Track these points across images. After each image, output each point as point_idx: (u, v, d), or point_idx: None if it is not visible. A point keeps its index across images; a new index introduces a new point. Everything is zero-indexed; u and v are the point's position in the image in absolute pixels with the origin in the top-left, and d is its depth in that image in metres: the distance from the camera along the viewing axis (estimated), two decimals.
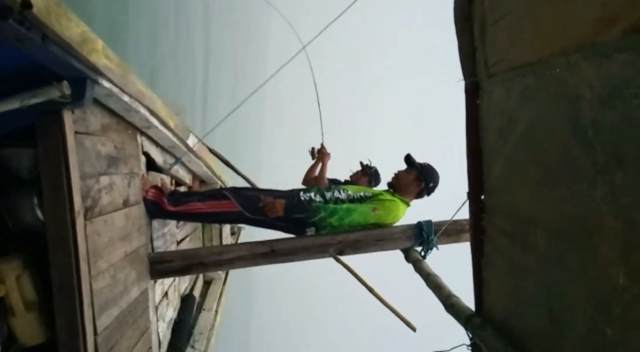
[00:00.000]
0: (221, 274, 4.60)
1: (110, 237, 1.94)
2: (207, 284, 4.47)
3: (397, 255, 2.88)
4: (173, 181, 3.29)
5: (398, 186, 2.96)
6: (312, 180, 3.52)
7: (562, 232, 1.15)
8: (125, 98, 1.99)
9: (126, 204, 2.19)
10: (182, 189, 3.59)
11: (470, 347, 1.69)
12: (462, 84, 1.69)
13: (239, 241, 4.81)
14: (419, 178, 2.93)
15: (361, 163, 3.72)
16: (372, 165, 3.70)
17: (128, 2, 4.91)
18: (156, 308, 2.65)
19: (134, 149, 2.36)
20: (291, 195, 2.84)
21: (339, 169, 3.99)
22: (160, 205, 2.61)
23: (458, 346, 1.69)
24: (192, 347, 3.29)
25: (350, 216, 2.69)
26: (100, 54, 1.65)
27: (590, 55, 0.93)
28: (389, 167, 3.26)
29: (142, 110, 2.19)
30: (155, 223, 2.74)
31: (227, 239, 4.69)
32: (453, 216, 2.26)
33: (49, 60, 1.46)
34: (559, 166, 1.11)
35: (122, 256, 2.07)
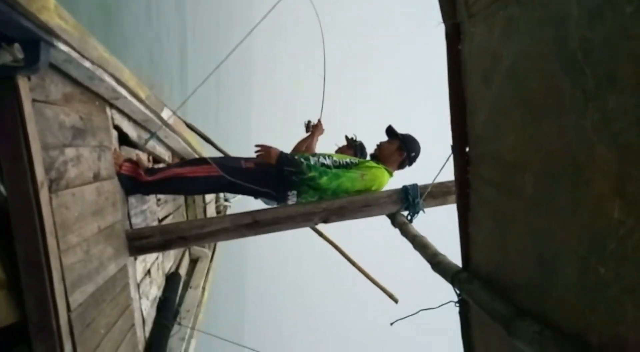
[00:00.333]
0: (208, 251, 4.53)
1: (80, 211, 1.84)
2: (194, 262, 4.40)
3: (377, 226, 2.87)
4: (150, 158, 3.18)
5: (381, 156, 3.01)
6: (302, 149, 3.51)
7: (550, 173, 1.09)
8: (87, 64, 1.87)
9: (97, 178, 2.08)
10: (162, 165, 3.48)
11: (457, 304, 1.65)
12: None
13: None
14: (400, 148, 2.99)
15: (346, 137, 3.71)
16: (358, 139, 3.70)
17: None
18: (138, 286, 2.57)
19: (102, 121, 2.25)
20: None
21: (325, 143, 3.96)
22: (137, 178, 2.52)
23: (446, 303, 1.65)
24: (179, 324, 3.24)
25: (338, 179, 2.69)
26: (53, 13, 1.53)
27: None
28: (374, 141, 3.27)
29: (107, 79, 2.07)
30: (133, 199, 2.64)
31: (212, 203, 4.61)
32: (438, 174, 2.20)
33: None
34: (545, 101, 1.04)
35: (96, 231, 1.98)
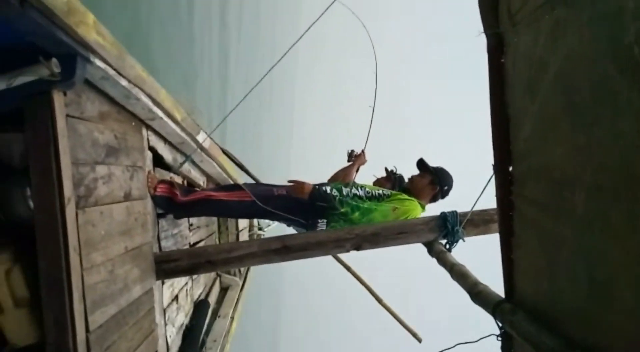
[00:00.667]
0: (238, 280, 4.46)
1: (107, 230, 1.82)
2: (224, 290, 4.33)
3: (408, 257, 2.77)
4: (185, 182, 3.18)
5: (413, 190, 2.99)
6: (340, 177, 3.48)
7: (603, 187, 0.98)
8: (123, 82, 1.89)
9: (128, 197, 2.08)
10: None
11: (500, 337, 1.50)
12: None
13: None
14: (433, 182, 2.97)
15: (386, 169, 3.64)
16: (398, 172, 3.63)
17: None
18: (164, 311, 2.52)
19: (137, 141, 2.26)
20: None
21: (365, 174, 3.92)
22: (173, 198, 2.55)
23: (487, 337, 1.50)
24: None
25: (370, 214, 2.68)
26: (91, 29, 1.55)
27: None
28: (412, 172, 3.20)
29: (144, 98, 2.09)
30: (164, 222, 2.63)
31: (245, 231, 4.56)
32: (479, 197, 2.08)
33: (31, 32, 1.36)
34: (597, 106, 0.94)
35: (122, 251, 1.95)
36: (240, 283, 4.49)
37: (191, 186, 3.34)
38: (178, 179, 3.00)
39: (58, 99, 1.57)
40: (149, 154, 2.47)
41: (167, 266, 2.34)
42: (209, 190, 2.79)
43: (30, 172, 1.55)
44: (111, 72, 1.76)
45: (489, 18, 1.45)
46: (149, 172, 2.45)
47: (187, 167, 3.04)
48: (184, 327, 2.98)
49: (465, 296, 1.87)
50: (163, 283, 2.55)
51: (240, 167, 3.79)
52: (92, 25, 1.54)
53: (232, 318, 3.86)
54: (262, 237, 5.26)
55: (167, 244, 2.64)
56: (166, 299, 2.62)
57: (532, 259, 1.45)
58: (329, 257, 3.08)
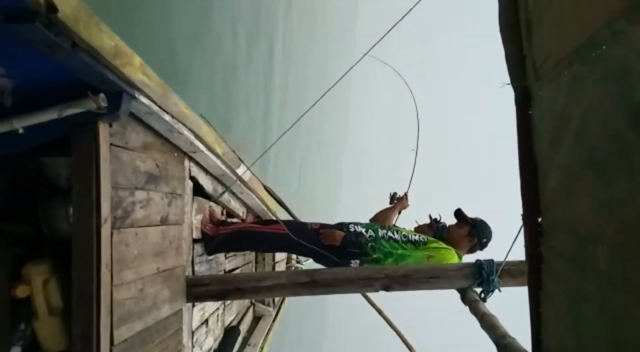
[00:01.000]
0: (272, 311, 4.47)
1: (140, 250, 1.92)
2: (257, 320, 4.35)
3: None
4: (224, 211, 3.28)
5: (450, 240, 2.96)
6: (380, 219, 3.49)
7: (625, 244, 0.94)
8: (167, 117, 2.01)
9: (164, 222, 2.17)
10: (235, 220, 3.58)
11: None
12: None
13: None
14: (470, 233, 2.93)
15: (430, 216, 3.58)
16: (442, 220, 3.56)
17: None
18: (192, 333, 2.57)
19: (178, 171, 2.38)
20: (341, 227, 2.84)
21: (407, 218, 3.89)
22: (210, 234, 2.68)
23: None
24: None
25: (403, 261, 2.68)
26: (137, 70, 1.68)
27: (635, 16, 0.76)
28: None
29: (186, 133, 2.21)
30: (199, 247, 2.72)
31: (282, 264, 4.59)
32: (510, 248, 2.00)
33: (81, 71, 1.50)
34: (615, 161, 0.92)
35: (154, 272, 2.03)
36: (274, 314, 4.50)
37: (230, 216, 3.44)
38: (217, 208, 3.10)
39: (103, 129, 1.70)
40: (190, 183, 2.58)
41: (198, 289, 2.40)
42: (244, 224, 2.90)
43: (72, 192, 1.67)
44: (155, 108, 1.88)
45: (516, 71, 1.45)
46: (210, 207, 2.62)
47: (226, 198, 3.14)
48: (212, 351, 3.02)
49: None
50: (194, 306, 2.61)
51: (280, 203, 3.84)
52: (139, 66, 1.67)
53: (262, 348, 3.86)
54: (301, 268, 5.27)
55: (201, 269, 2.71)
56: (196, 322, 2.68)
57: (559, 314, 1.38)
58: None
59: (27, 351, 1.69)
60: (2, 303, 1.69)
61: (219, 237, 2.71)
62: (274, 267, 4.30)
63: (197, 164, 2.65)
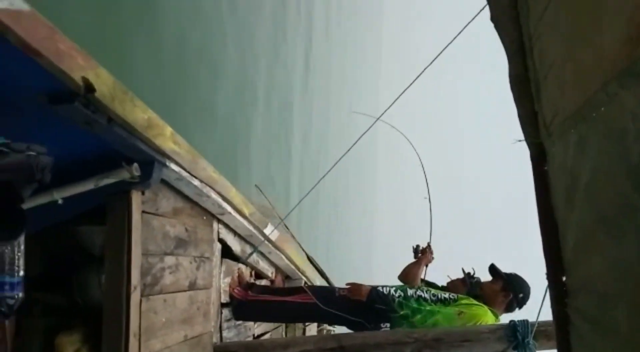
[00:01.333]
0: None
1: (168, 317, 1.95)
2: None
3: None
4: (253, 273, 3.30)
5: (484, 297, 2.85)
6: (408, 277, 3.42)
7: None
8: (196, 182, 2.11)
9: (192, 286, 2.21)
10: (264, 282, 3.58)
11: None
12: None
13: None
14: (505, 288, 2.82)
15: (463, 270, 3.50)
16: (475, 275, 3.47)
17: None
18: None
19: (207, 234, 2.45)
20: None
21: (437, 272, 3.82)
22: (241, 299, 2.71)
23: None
24: None
25: (433, 317, 2.60)
26: (168, 139, 1.80)
27: (626, 81, 0.80)
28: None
29: (214, 196, 2.30)
30: (227, 312, 2.72)
31: (312, 330, 4.47)
32: (540, 309, 1.93)
33: (117, 143, 1.62)
34: (622, 219, 0.91)
35: (181, 340, 2.05)
36: None
37: (259, 277, 3.45)
38: (246, 270, 3.13)
39: (136, 197, 1.79)
40: (219, 246, 2.64)
41: None
42: (271, 291, 2.90)
43: (105, 260, 1.75)
44: (185, 174, 1.99)
45: (528, 128, 1.48)
46: (238, 269, 2.67)
47: (255, 258, 3.17)
48: None
49: None
50: None
51: (322, 274, 3.83)
52: (169, 136, 1.79)
53: None
54: (332, 333, 5.13)
55: (229, 335, 2.70)
56: None
57: None
58: None
59: None
60: None
61: (247, 305, 2.73)
62: (304, 331, 4.21)
63: (226, 225, 2.72)
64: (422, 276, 3.73)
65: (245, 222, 2.73)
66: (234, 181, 2.62)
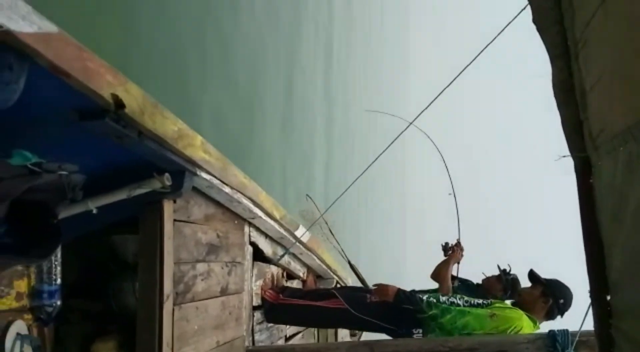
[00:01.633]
0: None
1: (200, 324, 1.96)
2: None
3: None
4: (284, 273, 3.31)
5: (523, 304, 2.76)
6: (439, 276, 3.38)
7: None
8: (226, 189, 2.11)
9: (224, 292, 2.23)
10: (295, 282, 3.59)
11: None
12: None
13: None
14: (544, 294, 2.71)
15: (498, 267, 3.41)
16: (512, 272, 3.36)
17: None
18: None
19: (238, 238, 2.46)
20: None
21: (473, 269, 3.73)
22: (273, 301, 2.72)
23: None
24: None
25: (463, 318, 2.51)
26: (198, 149, 1.80)
27: None
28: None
29: (245, 201, 2.30)
30: (259, 314, 2.74)
31: (346, 337, 4.46)
32: (584, 318, 1.84)
33: (148, 154, 1.62)
34: None
35: (214, 346, 2.06)
36: None
37: (290, 277, 3.45)
38: (276, 270, 3.13)
39: (167, 206, 1.81)
40: (250, 249, 2.65)
41: None
42: (302, 295, 2.89)
43: (138, 269, 1.77)
44: (216, 181, 1.99)
45: (574, 138, 1.39)
46: (265, 280, 2.72)
47: (286, 259, 3.17)
48: None
49: None
50: None
51: (362, 281, 3.81)
52: (200, 145, 1.79)
53: None
54: (362, 333, 5.11)
55: (261, 338, 2.72)
56: None
57: None
58: None
59: None
60: None
61: (278, 307, 2.73)
62: (336, 333, 4.21)
63: (257, 228, 2.72)
64: (455, 274, 3.66)
65: (276, 225, 2.73)
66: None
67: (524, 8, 1.54)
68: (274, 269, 3.05)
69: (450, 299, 2.68)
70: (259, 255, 2.81)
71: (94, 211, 1.69)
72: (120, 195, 1.70)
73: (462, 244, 3.55)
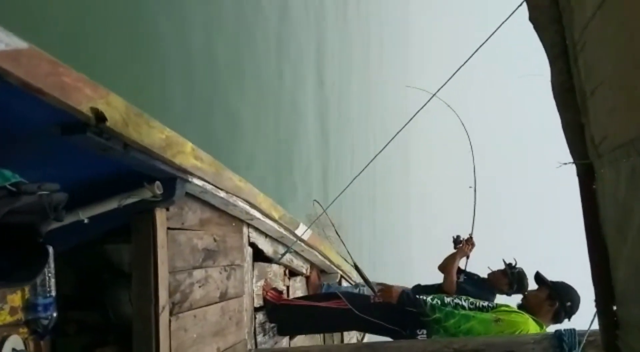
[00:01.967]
0: None
1: (199, 332, 1.94)
2: None
3: None
4: (287, 271, 3.28)
5: (529, 307, 2.72)
6: (446, 268, 3.43)
7: None
8: (221, 194, 2.06)
9: (223, 297, 2.20)
10: (299, 278, 3.56)
11: None
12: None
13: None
14: (551, 297, 2.67)
15: (504, 261, 3.39)
16: (517, 266, 3.32)
17: None
18: None
19: (237, 241, 2.42)
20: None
21: (483, 265, 3.71)
22: (276, 302, 2.70)
23: None
24: None
25: (468, 322, 2.49)
26: (189, 156, 1.75)
27: None
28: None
29: (241, 204, 2.26)
30: (261, 315, 2.71)
31: (352, 341, 4.45)
32: (593, 318, 1.79)
33: (136, 165, 1.58)
34: None
35: None
36: None
37: (293, 274, 3.42)
38: (278, 269, 3.10)
39: (160, 215, 1.77)
40: (249, 250, 2.61)
41: None
42: (304, 298, 2.88)
43: (132, 281, 1.74)
44: (209, 187, 1.94)
45: (575, 141, 1.33)
46: (266, 280, 2.72)
47: (288, 257, 3.14)
48: None
49: None
50: None
51: (367, 282, 3.78)
52: (190, 152, 1.74)
53: None
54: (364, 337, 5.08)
55: (264, 339, 2.70)
56: None
57: None
58: None
59: None
60: None
61: (281, 308, 2.72)
62: (342, 336, 4.18)
63: (256, 229, 2.69)
64: (463, 267, 3.63)
65: (276, 225, 2.69)
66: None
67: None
68: (275, 268, 3.02)
69: (455, 300, 2.64)
70: (259, 255, 2.78)
71: (85, 221, 1.66)
72: (111, 205, 1.67)
73: (474, 239, 3.54)
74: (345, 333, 4.19)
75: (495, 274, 3.43)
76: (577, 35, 1.14)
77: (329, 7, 9.29)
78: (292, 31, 6.59)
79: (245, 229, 2.54)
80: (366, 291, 3.27)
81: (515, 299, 2.95)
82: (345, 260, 3.58)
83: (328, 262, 3.74)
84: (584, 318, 2.22)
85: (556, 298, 2.62)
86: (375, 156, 2.88)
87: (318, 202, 2.99)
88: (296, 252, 3.32)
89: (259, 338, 2.62)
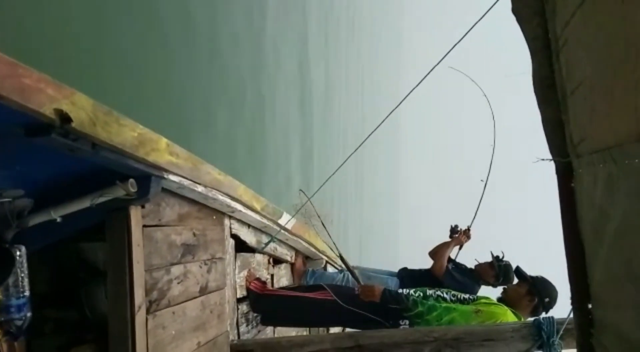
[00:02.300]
0: None
1: (178, 329, 1.92)
2: None
3: None
4: (270, 259, 3.27)
5: (508, 300, 2.77)
6: (436, 255, 3.52)
7: None
8: (199, 188, 2.02)
9: (203, 291, 2.17)
10: (283, 266, 3.55)
11: None
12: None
13: None
14: (530, 292, 2.73)
15: (491, 253, 3.42)
16: (504, 259, 3.36)
17: None
18: None
19: (217, 233, 2.39)
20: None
21: (468, 255, 3.74)
22: (259, 292, 2.70)
23: None
24: None
25: (449, 314, 2.54)
26: (164, 152, 1.70)
27: None
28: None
29: (221, 197, 2.22)
30: (244, 306, 2.71)
31: (336, 330, 4.48)
32: (571, 311, 1.81)
33: (107, 164, 1.53)
34: None
35: (194, 348, 2.03)
36: None
37: (277, 262, 3.42)
38: (261, 258, 3.09)
39: (135, 212, 1.72)
40: (232, 242, 2.59)
41: None
42: (289, 289, 2.94)
43: (107, 281, 1.70)
44: (186, 182, 1.90)
45: (554, 138, 1.31)
46: (249, 271, 2.71)
47: (272, 246, 3.12)
48: None
49: None
50: None
51: (352, 273, 3.77)
52: (165, 148, 1.69)
53: None
54: None
55: (247, 329, 2.69)
56: None
57: None
58: None
59: None
60: None
61: (264, 298, 2.71)
62: (327, 330, 4.20)
63: (238, 220, 2.66)
64: (453, 257, 3.68)
65: (258, 217, 2.66)
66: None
67: None
68: (259, 258, 3.01)
69: (437, 293, 2.67)
70: (242, 245, 2.75)
71: (58, 220, 1.62)
72: (83, 203, 1.62)
73: (471, 232, 3.58)
74: None
75: (482, 266, 3.47)
76: (559, 31, 1.11)
77: None
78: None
79: (227, 221, 2.51)
80: (350, 280, 3.29)
81: (496, 292, 2.99)
82: (331, 249, 3.57)
83: (313, 249, 3.73)
84: (563, 310, 2.26)
85: (535, 294, 2.68)
86: (362, 143, 2.86)
87: (303, 192, 2.98)
88: (280, 241, 3.31)
89: (242, 328, 2.62)
